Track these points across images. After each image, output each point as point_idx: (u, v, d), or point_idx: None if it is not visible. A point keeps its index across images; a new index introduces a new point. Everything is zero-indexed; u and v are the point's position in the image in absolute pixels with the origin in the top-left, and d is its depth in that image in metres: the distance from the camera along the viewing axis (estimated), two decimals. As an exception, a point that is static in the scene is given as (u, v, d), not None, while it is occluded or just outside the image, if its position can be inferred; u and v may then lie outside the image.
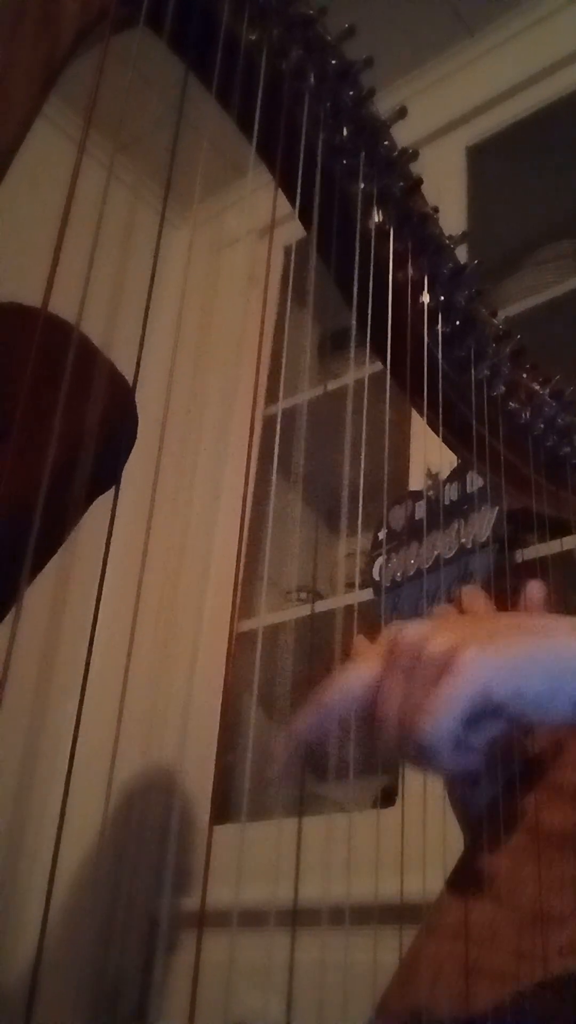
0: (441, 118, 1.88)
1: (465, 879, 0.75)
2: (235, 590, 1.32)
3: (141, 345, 0.54)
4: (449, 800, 0.79)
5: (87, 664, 0.51)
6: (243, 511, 1.71)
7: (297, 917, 0.60)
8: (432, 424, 0.78)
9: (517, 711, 0.55)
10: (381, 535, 1.57)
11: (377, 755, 0.61)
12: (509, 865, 0.73)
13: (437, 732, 0.54)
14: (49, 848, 1.52)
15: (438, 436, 0.78)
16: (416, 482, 1.58)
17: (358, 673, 0.58)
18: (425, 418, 0.77)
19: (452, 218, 1.63)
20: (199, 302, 2.09)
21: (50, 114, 0.63)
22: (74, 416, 0.56)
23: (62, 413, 0.52)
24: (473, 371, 0.76)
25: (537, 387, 0.80)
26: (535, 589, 0.72)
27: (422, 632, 0.57)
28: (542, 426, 0.79)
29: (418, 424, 0.76)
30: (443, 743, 0.54)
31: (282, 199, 0.71)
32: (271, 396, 1.77)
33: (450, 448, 0.79)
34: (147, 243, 0.62)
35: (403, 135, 0.74)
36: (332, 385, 1.76)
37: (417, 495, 1.56)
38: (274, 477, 1.63)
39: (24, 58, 0.60)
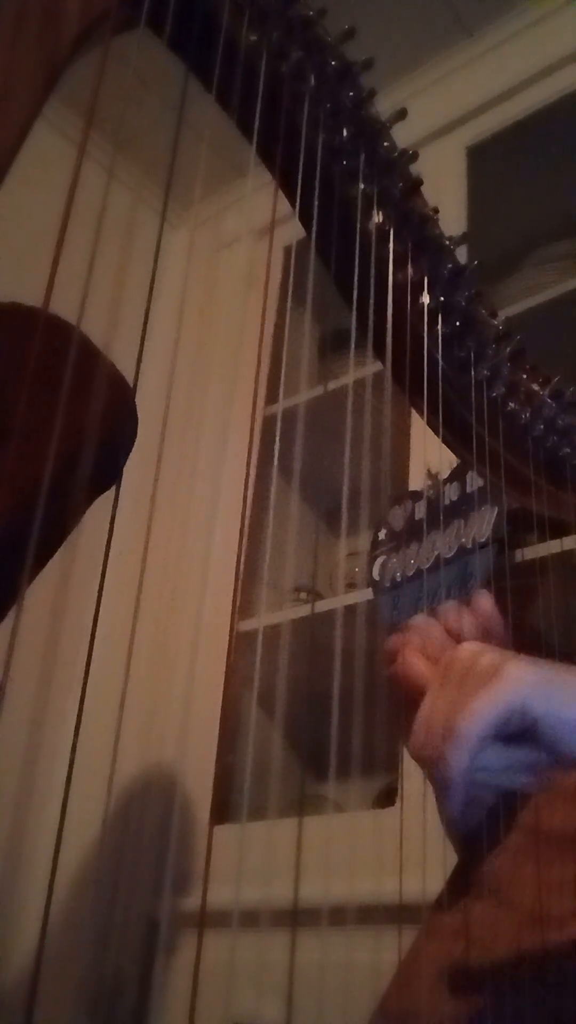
0: (441, 118, 1.88)
1: (465, 880, 0.75)
2: (235, 590, 1.32)
3: (141, 345, 0.54)
4: (440, 820, 0.80)
5: (87, 664, 0.51)
6: (243, 511, 1.71)
7: (297, 917, 0.60)
8: (432, 425, 0.78)
9: (549, 732, 0.57)
10: (381, 535, 1.57)
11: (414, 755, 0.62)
12: (509, 866, 0.73)
13: (472, 730, 0.56)
14: (49, 848, 1.52)
15: (438, 437, 0.78)
16: (416, 482, 1.58)
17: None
18: (425, 419, 0.77)
19: (452, 218, 1.63)
20: (199, 302, 2.09)
21: (49, 115, 0.63)
22: (74, 416, 0.56)
23: (62, 414, 0.52)
24: (473, 372, 0.76)
25: (537, 388, 0.79)
26: (483, 599, 0.74)
27: (476, 648, 0.61)
28: (542, 427, 0.79)
29: (418, 424, 0.76)
30: (474, 744, 0.56)
31: (281, 199, 0.71)
32: (271, 396, 1.77)
33: (450, 449, 0.79)
34: (147, 243, 0.62)
35: (403, 135, 0.74)
36: (332, 385, 1.76)
37: (417, 495, 1.56)
38: (274, 477, 1.63)
39: (25, 59, 0.60)
